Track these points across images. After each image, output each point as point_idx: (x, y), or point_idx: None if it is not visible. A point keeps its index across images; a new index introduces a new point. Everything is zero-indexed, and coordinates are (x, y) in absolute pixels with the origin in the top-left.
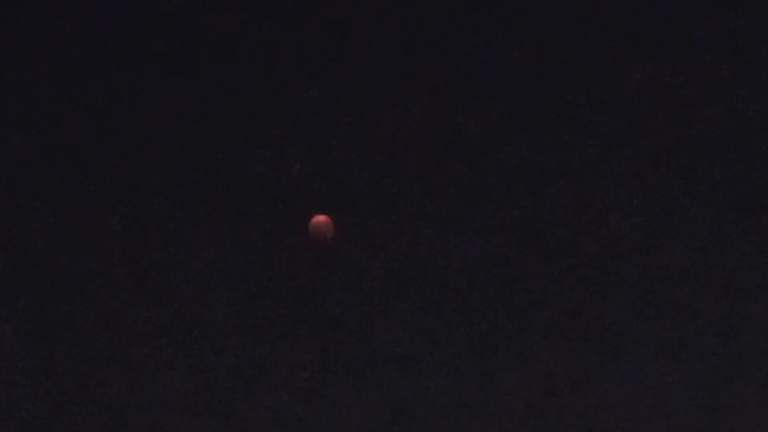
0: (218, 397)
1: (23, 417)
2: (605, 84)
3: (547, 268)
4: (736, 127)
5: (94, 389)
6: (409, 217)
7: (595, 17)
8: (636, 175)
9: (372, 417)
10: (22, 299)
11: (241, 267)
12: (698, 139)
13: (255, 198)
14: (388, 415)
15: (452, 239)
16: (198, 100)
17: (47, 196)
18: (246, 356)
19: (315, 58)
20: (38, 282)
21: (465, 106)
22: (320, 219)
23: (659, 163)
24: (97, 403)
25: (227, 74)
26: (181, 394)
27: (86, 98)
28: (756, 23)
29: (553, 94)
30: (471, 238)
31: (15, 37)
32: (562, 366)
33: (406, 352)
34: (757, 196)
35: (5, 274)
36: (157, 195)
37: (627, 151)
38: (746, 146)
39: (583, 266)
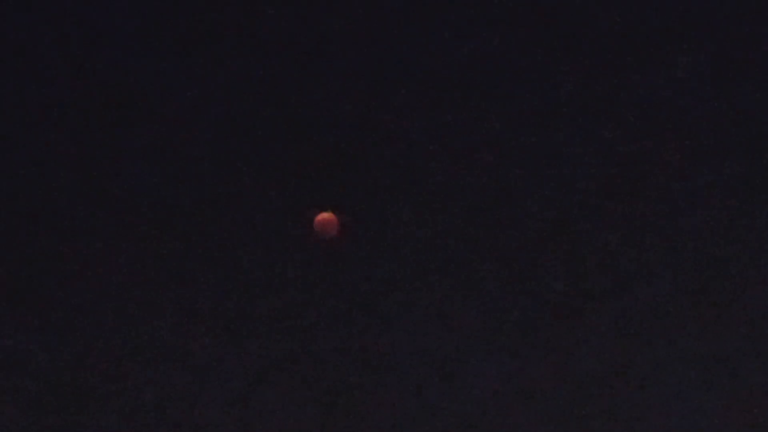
0: (234, 394)
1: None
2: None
3: (564, 262)
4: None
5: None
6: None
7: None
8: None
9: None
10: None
11: (248, 263)
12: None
13: (260, 195)
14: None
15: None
16: (202, 96)
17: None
18: (260, 354)
19: (321, 55)
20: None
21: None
22: (325, 216)
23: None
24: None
25: (234, 71)
26: (202, 390)
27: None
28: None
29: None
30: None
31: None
32: (586, 361)
33: (425, 348)
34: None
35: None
36: (158, 188)
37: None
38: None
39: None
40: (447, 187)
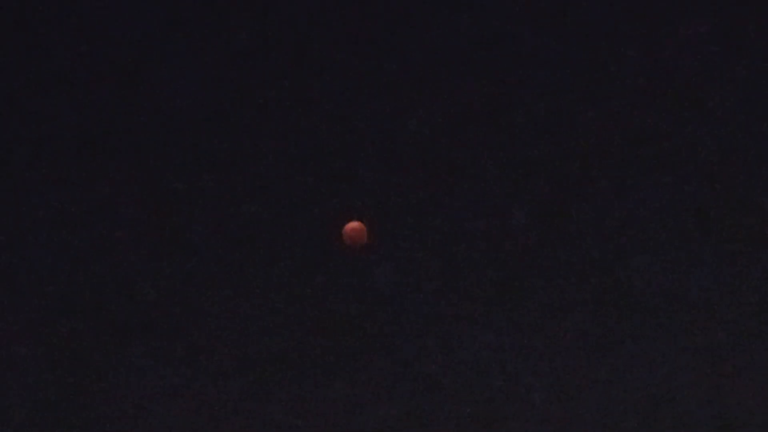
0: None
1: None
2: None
3: (575, 262)
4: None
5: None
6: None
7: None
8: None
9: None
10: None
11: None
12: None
13: (287, 204)
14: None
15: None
16: (219, 104)
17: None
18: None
19: (332, 58)
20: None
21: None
22: (354, 226)
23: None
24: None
25: (247, 77)
26: (224, 396)
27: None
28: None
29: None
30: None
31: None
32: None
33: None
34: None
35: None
36: (181, 196)
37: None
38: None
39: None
40: (475, 195)
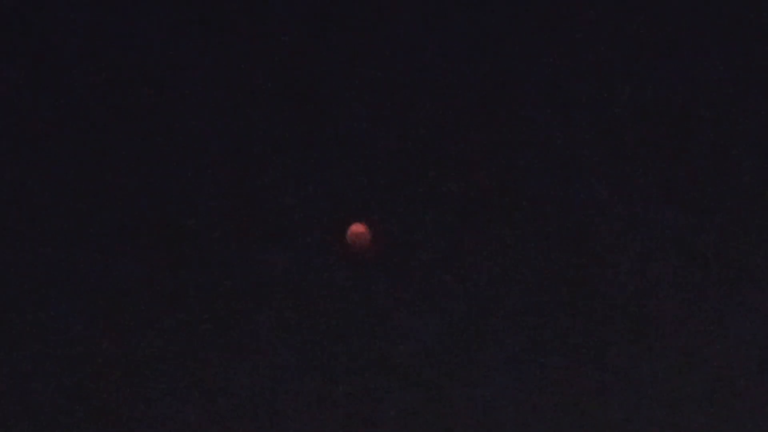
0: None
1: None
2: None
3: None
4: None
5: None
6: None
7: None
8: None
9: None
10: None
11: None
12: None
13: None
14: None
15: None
16: (228, 106)
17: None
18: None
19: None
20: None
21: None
22: (358, 228)
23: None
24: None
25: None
26: (236, 399)
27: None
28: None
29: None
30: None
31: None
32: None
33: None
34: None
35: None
36: (188, 197)
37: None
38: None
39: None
40: (479, 197)
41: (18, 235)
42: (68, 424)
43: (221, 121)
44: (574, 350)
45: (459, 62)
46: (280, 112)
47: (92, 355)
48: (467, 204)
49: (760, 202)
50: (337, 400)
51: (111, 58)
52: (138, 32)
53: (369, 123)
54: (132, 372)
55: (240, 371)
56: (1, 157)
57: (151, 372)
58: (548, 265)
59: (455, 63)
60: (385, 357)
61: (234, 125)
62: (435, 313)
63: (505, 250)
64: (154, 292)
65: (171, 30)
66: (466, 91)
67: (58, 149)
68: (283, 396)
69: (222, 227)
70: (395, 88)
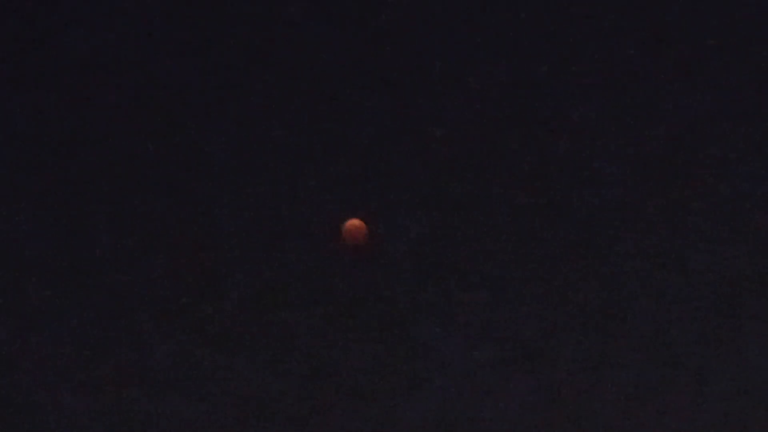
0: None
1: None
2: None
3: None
4: None
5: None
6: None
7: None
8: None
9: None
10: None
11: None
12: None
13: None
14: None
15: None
16: (233, 100)
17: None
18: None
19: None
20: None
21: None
22: (354, 223)
23: None
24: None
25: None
26: (237, 399)
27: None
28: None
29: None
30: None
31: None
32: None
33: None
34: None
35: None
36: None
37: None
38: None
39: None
40: (477, 197)
41: (18, 235)
42: (68, 424)
43: (221, 121)
44: (590, 356)
45: (459, 62)
46: (280, 112)
47: (96, 355)
48: (470, 206)
49: None
50: (338, 401)
51: (111, 58)
52: (138, 32)
53: (372, 125)
54: (136, 373)
55: (241, 371)
56: (2, 158)
57: (155, 373)
58: (559, 267)
59: (455, 63)
60: (387, 357)
61: (234, 125)
62: (439, 315)
63: (514, 251)
64: (155, 292)
65: (171, 30)
66: (466, 91)
67: (59, 149)
68: (286, 398)
69: (222, 227)
70: (395, 88)
